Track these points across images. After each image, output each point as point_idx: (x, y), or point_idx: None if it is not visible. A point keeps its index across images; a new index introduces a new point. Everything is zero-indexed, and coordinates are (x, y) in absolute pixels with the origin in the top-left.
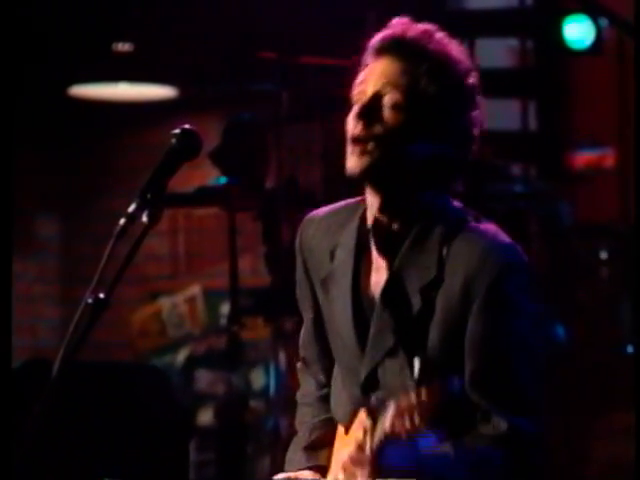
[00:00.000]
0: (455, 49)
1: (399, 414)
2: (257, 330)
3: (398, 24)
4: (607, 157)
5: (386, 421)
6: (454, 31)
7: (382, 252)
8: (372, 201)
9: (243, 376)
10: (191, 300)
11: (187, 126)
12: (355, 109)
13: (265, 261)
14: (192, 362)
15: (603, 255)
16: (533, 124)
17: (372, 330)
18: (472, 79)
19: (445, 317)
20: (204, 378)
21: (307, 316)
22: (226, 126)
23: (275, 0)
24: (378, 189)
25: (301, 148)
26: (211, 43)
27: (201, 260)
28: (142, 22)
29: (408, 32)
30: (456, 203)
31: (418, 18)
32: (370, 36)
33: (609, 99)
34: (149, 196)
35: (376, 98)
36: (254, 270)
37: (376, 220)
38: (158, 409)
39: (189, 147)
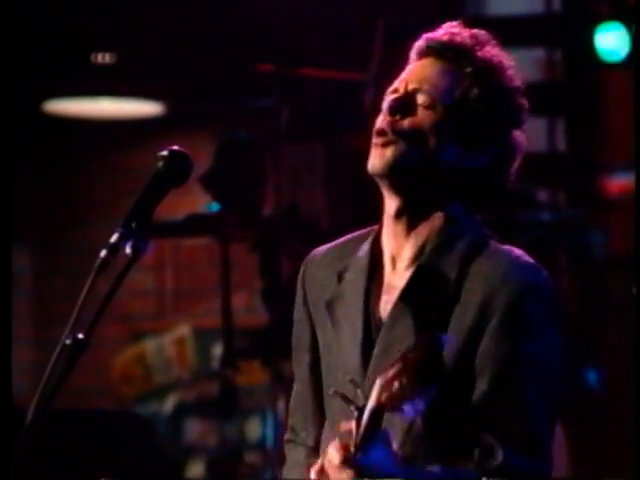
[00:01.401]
0: (506, 60)
1: (387, 383)
2: (253, 375)
3: (447, 27)
4: None
5: (372, 396)
6: None
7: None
8: (389, 207)
9: (237, 426)
10: (179, 341)
11: (175, 147)
12: (385, 104)
13: (262, 298)
14: (181, 410)
15: None
16: (561, 144)
17: (376, 350)
18: (520, 98)
19: (458, 337)
20: (194, 428)
21: (304, 363)
22: (219, 146)
23: (273, 7)
24: (398, 190)
25: (302, 171)
26: (202, 54)
27: (191, 297)
28: (125, 30)
29: (456, 36)
30: (480, 227)
31: (432, 25)
32: (379, 46)
33: None
34: (133, 225)
35: (410, 95)
36: (250, 308)
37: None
38: (143, 462)
39: (178, 170)
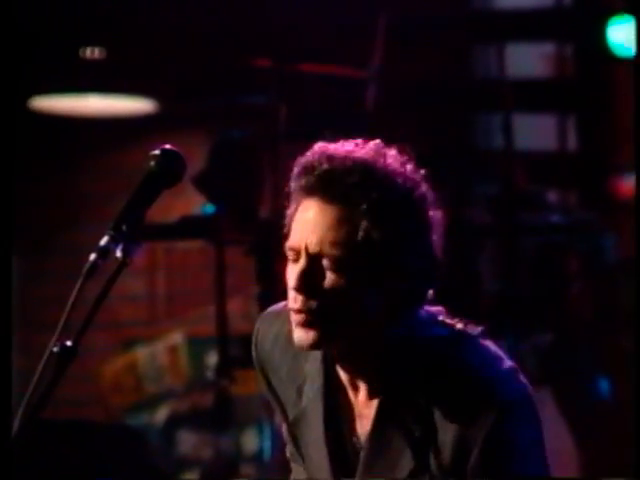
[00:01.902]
0: (394, 163)
1: None
2: (249, 384)
3: (319, 153)
4: None
5: None
6: (480, 35)
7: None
8: (329, 349)
9: (233, 438)
10: (172, 349)
11: (168, 146)
12: (291, 279)
13: (259, 303)
14: (174, 422)
15: None
16: (572, 144)
17: (358, 474)
18: (420, 190)
19: (441, 474)
20: (187, 440)
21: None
22: (213, 146)
23: (270, 0)
24: (331, 349)
25: None
26: (196, 49)
27: (184, 303)
28: (116, 24)
29: (336, 165)
30: (432, 316)
31: (438, 20)
32: (381, 42)
33: None
34: (124, 228)
35: (313, 259)
36: (246, 314)
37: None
38: (134, 476)
39: (170, 171)
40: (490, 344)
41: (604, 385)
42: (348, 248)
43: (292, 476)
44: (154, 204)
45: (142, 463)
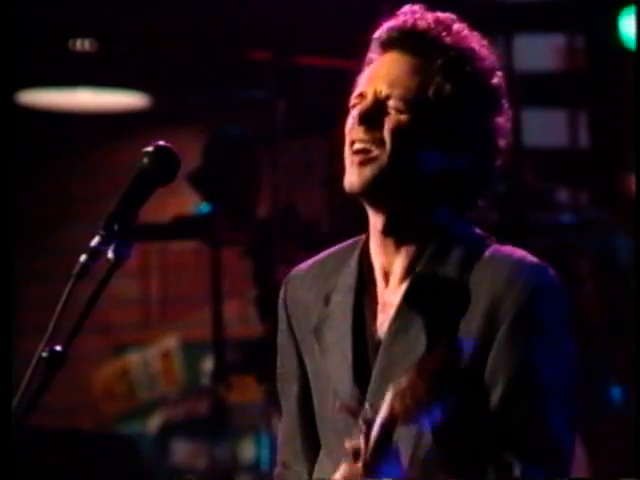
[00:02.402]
0: (476, 42)
1: (400, 393)
2: (246, 391)
3: (408, 12)
4: None
5: (384, 407)
6: (487, 26)
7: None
8: (374, 222)
9: (229, 447)
10: (166, 354)
11: (161, 142)
12: (354, 114)
13: (256, 307)
14: (167, 430)
15: None
16: (584, 140)
17: (375, 371)
18: (497, 78)
19: (465, 350)
20: (182, 450)
21: (291, 395)
22: (209, 142)
23: None
24: (382, 207)
25: (300, 169)
26: (191, 40)
27: (178, 306)
28: (106, 14)
29: (420, 22)
30: (474, 229)
31: (443, 9)
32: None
33: None
34: (116, 227)
35: (380, 101)
36: (243, 318)
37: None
38: None
39: (164, 168)
40: None
41: (617, 393)
42: (416, 95)
43: None
44: (147, 203)
45: (135, 473)
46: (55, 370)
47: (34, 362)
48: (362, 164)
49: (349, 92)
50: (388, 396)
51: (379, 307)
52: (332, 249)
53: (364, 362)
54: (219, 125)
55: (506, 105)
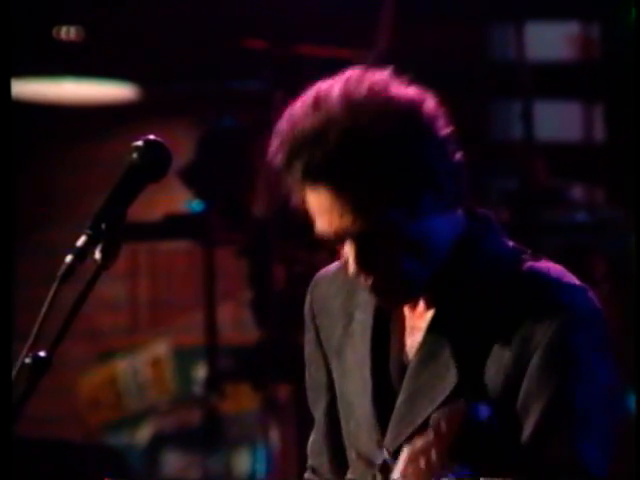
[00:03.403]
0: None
1: (413, 456)
2: (241, 400)
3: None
4: None
5: (397, 468)
6: (497, 15)
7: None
8: None
9: (223, 459)
10: (156, 361)
11: (152, 136)
12: (344, 255)
13: (252, 311)
14: (158, 441)
15: None
16: (599, 134)
17: (400, 399)
18: (420, 114)
19: (496, 379)
20: (173, 462)
21: (319, 408)
22: (201, 136)
23: None
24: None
25: None
26: (183, 29)
27: (169, 310)
28: (93, 0)
29: (315, 153)
30: (507, 240)
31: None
32: (387, 20)
33: None
34: (103, 227)
35: (340, 237)
36: (237, 322)
37: None
38: None
39: (154, 163)
40: None
41: (631, 400)
42: (364, 217)
43: None
44: (136, 200)
45: None
46: (39, 377)
47: (16, 369)
48: (380, 294)
49: None
50: (402, 457)
51: (407, 330)
52: None
53: (386, 388)
54: (212, 117)
55: (437, 126)
